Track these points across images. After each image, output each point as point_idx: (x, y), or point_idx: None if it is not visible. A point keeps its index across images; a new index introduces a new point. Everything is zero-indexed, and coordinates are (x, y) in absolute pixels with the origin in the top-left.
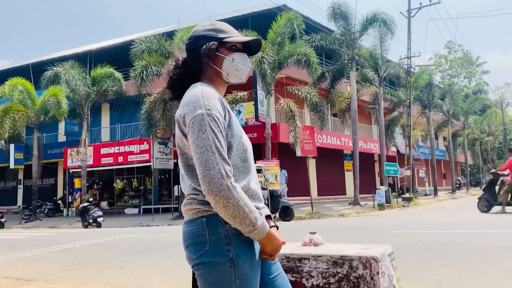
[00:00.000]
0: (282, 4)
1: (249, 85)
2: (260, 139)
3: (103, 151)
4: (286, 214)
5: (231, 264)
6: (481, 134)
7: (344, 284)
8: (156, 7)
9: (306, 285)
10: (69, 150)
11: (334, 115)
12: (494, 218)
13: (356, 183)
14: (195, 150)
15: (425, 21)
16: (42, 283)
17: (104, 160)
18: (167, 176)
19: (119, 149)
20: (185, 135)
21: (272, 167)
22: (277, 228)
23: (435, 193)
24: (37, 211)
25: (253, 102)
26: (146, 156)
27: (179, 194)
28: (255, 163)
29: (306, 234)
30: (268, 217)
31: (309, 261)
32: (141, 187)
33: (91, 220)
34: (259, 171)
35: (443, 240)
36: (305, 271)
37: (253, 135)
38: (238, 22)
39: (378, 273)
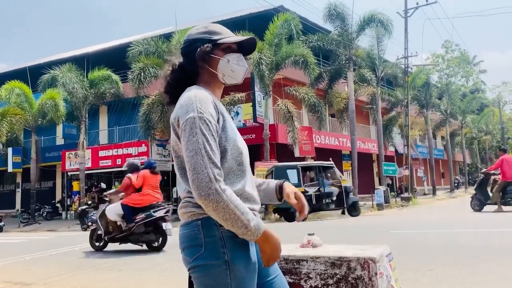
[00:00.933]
0: (279, 5)
1: (247, 86)
2: (259, 140)
3: (101, 153)
4: (355, 209)
5: (226, 267)
6: (479, 133)
7: (343, 285)
8: (153, 9)
9: (304, 286)
10: (67, 153)
11: (332, 115)
12: (490, 217)
13: (355, 183)
14: (185, 153)
15: (422, 20)
16: (41, 286)
17: (103, 163)
18: (165, 178)
19: (117, 151)
20: (179, 138)
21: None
22: None
23: (434, 193)
24: (36, 214)
25: (251, 104)
26: (144, 158)
27: (178, 196)
28: (255, 162)
29: (304, 235)
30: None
31: (307, 262)
32: None
33: (90, 223)
34: (330, 168)
35: (442, 239)
36: (303, 272)
37: (251, 136)
38: (235, 24)
39: (376, 274)
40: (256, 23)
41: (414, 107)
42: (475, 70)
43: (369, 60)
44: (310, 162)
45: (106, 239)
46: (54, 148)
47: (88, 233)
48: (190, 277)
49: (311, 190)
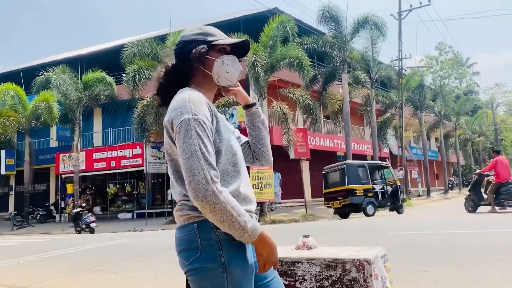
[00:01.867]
0: (274, 7)
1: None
2: None
3: (96, 156)
4: (402, 207)
5: (223, 270)
6: (472, 135)
7: (338, 287)
8: (148, 11)
9: None
10: (61, 156)
11: (327, 117)
12: (484, 218)
13: None
14: (181, 156)
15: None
16: None
17: (97, 165)
18: (160, 180)
19: (111, 153)
20: (173, 141)
21: (266, 169)
22: None
23: (428, 194)
24: (29, 217)
25: None
26: (139, 161)
27: (172, 198)
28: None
29: (299, 237)
30: None
31: (302, 264)
32: (134, 192)
33: (84, 226)
34: (385, 167)
35: (437, 240)
36: (298, 274)
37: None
38: (230, 26)
39: (371, 275)
40: (251, 25)
41: (408, 108)
42: (468, 72)
43: (364, 62)
44: (373, 161)
45: None
46: (48, 150)
47: (81, 235)
48: (187, 280)
49: (378, 187)
